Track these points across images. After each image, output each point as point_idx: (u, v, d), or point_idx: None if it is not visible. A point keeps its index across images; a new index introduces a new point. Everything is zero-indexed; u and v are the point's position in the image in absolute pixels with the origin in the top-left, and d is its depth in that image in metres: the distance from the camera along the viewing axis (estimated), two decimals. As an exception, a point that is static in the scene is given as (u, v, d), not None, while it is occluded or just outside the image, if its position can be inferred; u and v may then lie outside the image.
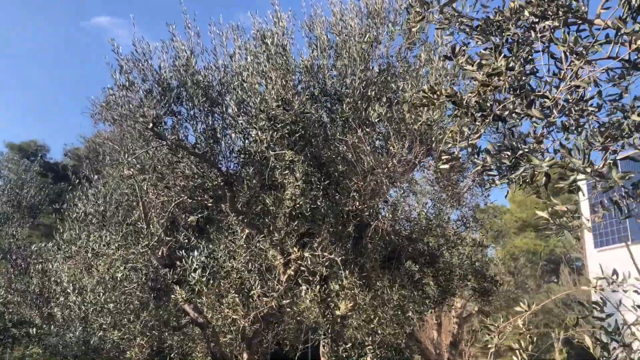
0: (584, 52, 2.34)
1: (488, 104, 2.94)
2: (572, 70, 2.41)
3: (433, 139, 5.73)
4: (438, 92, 3.06)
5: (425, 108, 5.53)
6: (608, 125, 2.63)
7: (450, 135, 3.10)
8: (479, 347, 23.82)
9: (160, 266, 7.60)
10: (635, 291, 3.90)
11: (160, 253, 7.51)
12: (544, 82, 2.65)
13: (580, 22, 2.81)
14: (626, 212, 2.70)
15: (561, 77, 2.60)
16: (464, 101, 2.93)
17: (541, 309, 25.95)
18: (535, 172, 2.47)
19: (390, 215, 6.52)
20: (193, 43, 6.90)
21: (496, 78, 2.86)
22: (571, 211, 3.67)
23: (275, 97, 5.73)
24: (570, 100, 2.54)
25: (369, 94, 6.40)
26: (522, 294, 20.64)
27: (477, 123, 2.96)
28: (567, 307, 26.21)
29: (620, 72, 2.62)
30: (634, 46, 2.49)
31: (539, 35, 2.85)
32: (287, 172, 5.63)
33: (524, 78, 2.80)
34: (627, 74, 2.69)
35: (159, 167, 6.91)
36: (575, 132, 2.85)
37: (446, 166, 3.17)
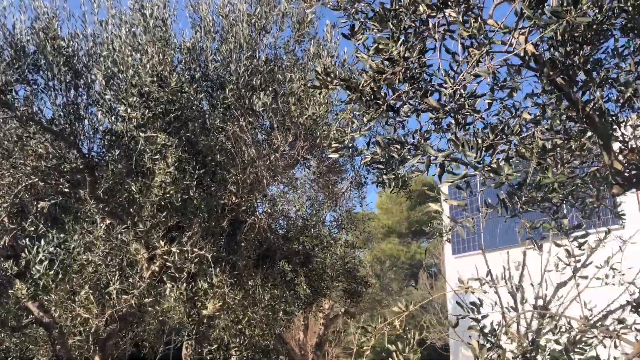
0: (485, 40, 2.25)
1: (382, 93, 2.80)
2: (472, 59, 2.32)
3: (318, 134, 5.57)
4: (332, 75, 2.85)
5: (312, 102, 5.36)
6: (498, 123, 2.61)
7: (343, 121, 2.91)
8: (342, 347, 24.42)
9: (2, 257, 6.62)
10: (493, 292, 4.01)
11: (2, 242, 6.53)
12: (441, 73, 2.55)
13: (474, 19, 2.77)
14: (511, 210, 2.68)
15: (456, 70, 2.51)
16: (359, 87, 2.75)
17: (398, 310, 27.38)
18: (431, 162, 2.33)
19: (270, 211, 6.24)
20: (58, 5, 6.08)
21: (392, 66, 2.71)
22: (439, 212, 3.63)
23: (150, 71, 5.18)
24: (464, 95, 2.45)
25: (254, 82, 6.08)
26: (386, 296, 21.52)
27: (370, 111, 2.80)
28: (424, 310, 27.95)
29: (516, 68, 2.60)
30: (528, 47, 2.47)
31: (436, 27, 2.76)
32: (158, 157, 5.10)
33: (419, 69, 2.69)
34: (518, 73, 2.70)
35: (5, 142, 5.97)
36: (464, 128, 2.80)
37: (336, 155, 2.97)
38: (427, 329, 26.21)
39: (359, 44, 2.73)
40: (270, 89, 5.87)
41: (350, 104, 2.86)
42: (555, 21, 1.92)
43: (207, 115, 5.99)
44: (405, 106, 2.80)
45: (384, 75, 2.78)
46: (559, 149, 2.67)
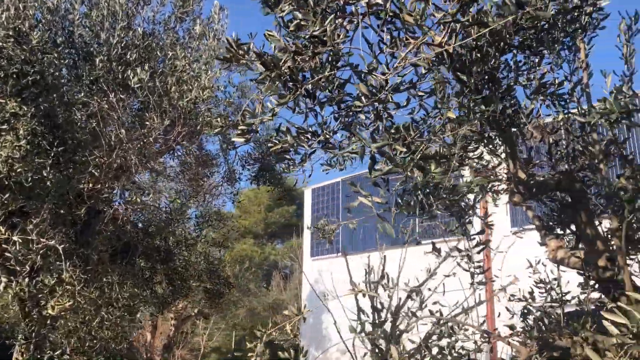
0: (425, 28, 2.12)
1: (301, 75, 2.55)
2: (409, 47, 2.17)
3: (200, 120, 5.12)
4: (246, 48, 2.53)
5: (196, 84, 4.91)
6: (420, 120, 2.50)
7: (257, 104, 2.58)
8: (188, 349, 23.55)
9: None
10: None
11: None
12: (370, 59, 2.36)
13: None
14: (427, 212, 2.58)
15: (387, 57, 2.36)
16: (277, 65, 2.46)
17: (250, 311, 27.13)
18: (366, 151, 2.13)
19: (138, 201, 5.59)
20: None
21: (314, 46, 2.47)
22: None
23: (5, 24, 4.31)
24: (396, 84, 2.30)
25: (129, 57, 5.44)
26: (242, 297, 21.15)
27: (285, 93, 2.53)
28: (274, 310, 28.04)
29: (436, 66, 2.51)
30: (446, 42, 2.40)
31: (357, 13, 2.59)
32: (5, 126, 4.26)
33: (344, 52, 2.49)
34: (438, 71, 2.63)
35: None
36: (383, 122, 2.66)
37: (241, 139, 2.65)
38: (277, 329, 26.33)
39: (280, 16, 2.45)
40: (147, 65, 5.28)
41: (264, 82, 2.55)
42: (514, 11, 1.84)
43: (69, 86, 5.20)
44: (323, 93, 2.57)
45: (303, 56, 2.53)
46: (470, 153, 2.65)
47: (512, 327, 2.99)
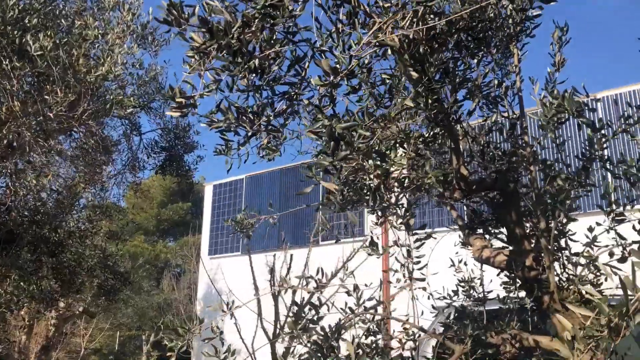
0: (388, 12, 2.01)
1: (250, 47, 2.33)
2: (369, 30, 2.04)
3: (110, 98, 4.64)
4: (189, 12, 2.26)
5: (109, 58, 4.46)
6: (373, 105, 2.39)
7: (190, 73, 2.31)
8: (67, 350, 21.93)
9: None
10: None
11: None
12: (327, 37, 2.20)
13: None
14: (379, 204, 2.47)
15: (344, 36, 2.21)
16: (224, 33, 2.22)
17: (137, 311, 25.75)
18: (333, 130, 1.96)
19: (34, 182, 4.94)
20: None
21: (263, 18, 2.27)
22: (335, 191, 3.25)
23: None
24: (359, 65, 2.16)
25: (28, 22, 4.82)
26: (133, 296, 20.04)
27: (232, 66, 2.29)
28: (163, 311, 26.81)
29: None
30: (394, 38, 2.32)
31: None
32: None
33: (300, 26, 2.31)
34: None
35: None
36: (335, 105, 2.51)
37: (177, 113, 2.37)
38: (164, 330, 25.24)
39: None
40: (51, 32, 4.71)
41: (206, 52, 2.29)
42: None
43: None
44: (273, 69, 2.37)
45: (252, 29, 2.31)
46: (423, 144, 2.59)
47: (446, 326, 2.97)
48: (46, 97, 4.54)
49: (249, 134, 2.48)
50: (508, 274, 3.33)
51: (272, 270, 7.84)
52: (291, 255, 7.82)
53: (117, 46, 4.59)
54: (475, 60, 3.05)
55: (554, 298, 2.84)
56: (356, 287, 3.39)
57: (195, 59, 2.38)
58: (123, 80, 4.72)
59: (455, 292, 3.50)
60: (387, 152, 2.12)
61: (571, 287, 2.81)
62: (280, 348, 5.30)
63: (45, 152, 4.65)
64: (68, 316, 14.22)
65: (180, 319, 22.41)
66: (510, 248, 3.19)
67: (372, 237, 3.10)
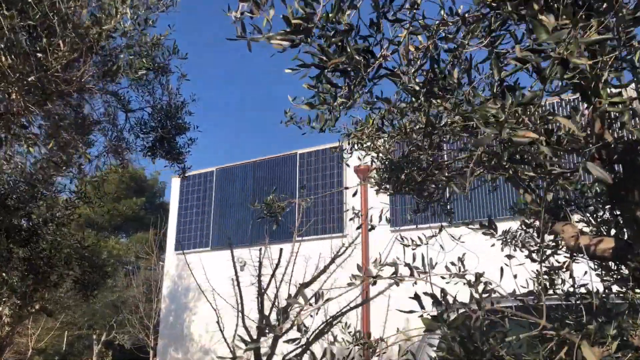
0: None
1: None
2: None
3: (122, 57, 3.93)
4: None
5: (116, 13, 3.78)
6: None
7: None
8: (13, 351, 20.57)
9: None
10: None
11: None
12: None
13: None
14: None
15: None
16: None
17: (87, 310, 24.36)
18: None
19: (32, 151, 4.15)
20: None
21: None
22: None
23: None
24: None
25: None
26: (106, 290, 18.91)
27: None
28: (117, 309, 25.48)
29: None
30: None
31: None
32: None
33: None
34: None
35: None
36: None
37: (286, 43, 1.78)
38: (117, 328, 24.03)
39: None
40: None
41: None
42: None
43: None
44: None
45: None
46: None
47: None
48: (40, 54, 3.80)
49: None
50: (614, 264, 2.92)
51: (260, 265, 7.24)
52: (281, 250, 7.26)
53: (124, -1, 3.90)
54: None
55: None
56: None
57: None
58: (133, 38, 4.03)
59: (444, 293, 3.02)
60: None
61: None
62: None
63: (44, 118, 3.89)
64: (24, 314, 13.11)
65: (138, 317, 21.33)
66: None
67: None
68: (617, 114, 2.13)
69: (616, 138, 2.27)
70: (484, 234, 2.84)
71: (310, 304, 2.29)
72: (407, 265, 2.42)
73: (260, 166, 15.61)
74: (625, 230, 2.77)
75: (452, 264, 2.95)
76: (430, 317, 1.94)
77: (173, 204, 17.04)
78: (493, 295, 2.49)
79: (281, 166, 14.98)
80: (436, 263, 2.72)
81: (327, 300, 2.43)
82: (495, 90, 1.68)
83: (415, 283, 2.54)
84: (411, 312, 2.11)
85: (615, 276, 2.98)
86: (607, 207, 2.82)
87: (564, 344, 2.39)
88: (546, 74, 1.54)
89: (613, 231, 2.94)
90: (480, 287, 2.28)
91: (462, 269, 2.85)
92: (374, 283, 2.73)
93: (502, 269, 2.51)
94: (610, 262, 2.97)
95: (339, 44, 1.94)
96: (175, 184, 17.04)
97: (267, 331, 2.23)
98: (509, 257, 2.65)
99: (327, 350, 2.52)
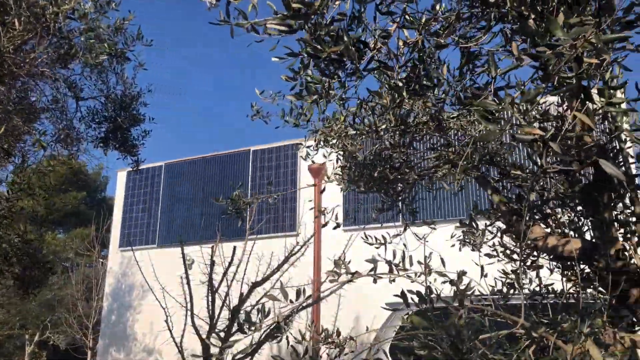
0: None
1: None
2: None
3: (82, 39, 3.68)
4: None
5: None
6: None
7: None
8: None
9: None
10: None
11: None
12: None
13: None
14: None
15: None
16: None
17: (21, 309, 23.14)
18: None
19: None
20: None
21: None
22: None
23: None
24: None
25: None
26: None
27: None
28: (50, 308, 24.30)
29: None
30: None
31: None
32: None
33: None
34: None
35: None
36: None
37: (283, 27, 1.69)
38: (52, 328, 22.97)
39: None
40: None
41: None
42: None
43: None
44: None
45: None
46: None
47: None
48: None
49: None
50: (582, 264, 2.99)
51: (212, 264, 7.09)
52: (234, 248, 7.13)
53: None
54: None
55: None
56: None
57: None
58: (94, 21, 3.78)
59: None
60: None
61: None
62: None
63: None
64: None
65: (75, 317, 20.44)
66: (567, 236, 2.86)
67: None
68: (603, 116, 2.18)
69: (594, 141, 2.32)
70: (463, 232, 2.84)
71: (291, 301, 2.22)
72: (387, 262, 2.39)
73: (212, 162, 15.29)
74: (590, 231, 2.85)
75: (419, 262, 2.95)
76: (417, 315, 1.91)
77: (118, 199, 16.43)
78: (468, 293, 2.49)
79: (233, 163, 14.74)
80: (399, 262, 2.71)
81: (308, 298, 2.35)
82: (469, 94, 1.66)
83: (394, 280, 2.52)
84: (396, 309, 2.08)
85: (581, 276, 3.06)
86: (567, 209, 2.89)
87: (535, 341, 2.43)
88: (550, 70, 1.53)
89: (572, 233, 3.02)
90: (462, 286, 2.28)
91: (428, 268, 2.85)
92: (351, 280, 2.68)
93: (461, 270, 2.52)
94: (575, 263, 3.04)
95: (333, 33, 1.88)
96: (121, 178, 16.44)
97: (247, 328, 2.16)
98: (489, 255, 2.67)
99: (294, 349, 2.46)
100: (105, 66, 5.58)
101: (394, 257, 2.45)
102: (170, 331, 6.56)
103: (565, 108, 2.25)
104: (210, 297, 6.59)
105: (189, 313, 6.98)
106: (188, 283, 6.67)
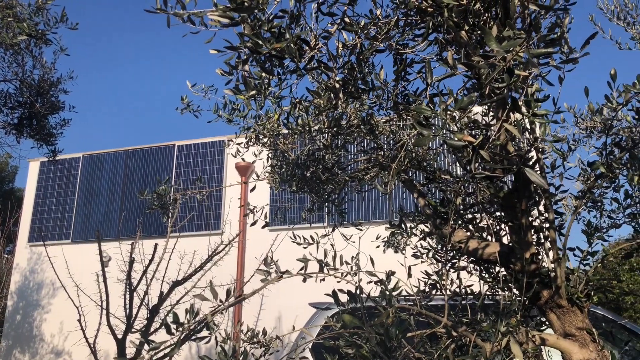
0: None
1: None
2: None
3: None
4: None
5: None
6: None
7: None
8: None
9: None
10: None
11: None
12: None
13: None
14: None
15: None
16: None
17: None
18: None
19: None
20: None
21: None
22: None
23: None
24: None
25: None
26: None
27: None
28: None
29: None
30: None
31: None
32: None
33: None
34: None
35: None
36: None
37: (225, 20, 1.65)
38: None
39: None
40: None
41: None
42: None
43: None
44: None
45: None
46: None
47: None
48: None
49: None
50: (499, 266, 3.15)
51: (132, 261, 6.84)
52: (156, 245, 6.92)
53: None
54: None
55: (559, 293, 2.72)
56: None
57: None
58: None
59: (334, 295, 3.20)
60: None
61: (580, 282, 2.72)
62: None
63: None
64: None
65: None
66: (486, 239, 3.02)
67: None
68: (524, 127, 2.32)
69: (516, 150, 2.46)
70: (392, 233, 2.92)
71: (221, 301, 2.18)
72: (319, 261, 2.40)
73: (134, 155, 14.73)
74: (508, 236, 3.02)
75: (346, 262, 3.00)
76: (349, 315, 1.94)
77: (29, 191, 15.44)
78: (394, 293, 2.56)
79: (157, 157, 14.27)
80: (330, 261, 2.75)
81: (236, 297, 2.32)
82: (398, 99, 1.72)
83: (323, 279, 2.54)
84: (327, 309, 2.10)
85: (498, 278, 3.23)
86: (485, 214, 3.05)
87: (455, 340, 2.54)
88: (483, 80, 1.61)
89: (489, 237, 3.19)
90: (391, 285, 2.34)
91: (358, 267, 2.91)
92: (280, 279, 2.67)
93: (390, 270, 2.60)
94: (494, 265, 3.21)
95: (274, 30, 1.87)
96: (34, 168, 15.46)
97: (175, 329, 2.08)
98: (415, 256, 2.75)
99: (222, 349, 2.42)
100: (22, 47, 5.24)
101: (325, 256, 2.47)
102: (83, 331, 6.25)
103: (491, 117, 2.37)
104: (128, 296, 6.35)
105: (104, 312, 6.68)
106: (104, 280, 6.39)
